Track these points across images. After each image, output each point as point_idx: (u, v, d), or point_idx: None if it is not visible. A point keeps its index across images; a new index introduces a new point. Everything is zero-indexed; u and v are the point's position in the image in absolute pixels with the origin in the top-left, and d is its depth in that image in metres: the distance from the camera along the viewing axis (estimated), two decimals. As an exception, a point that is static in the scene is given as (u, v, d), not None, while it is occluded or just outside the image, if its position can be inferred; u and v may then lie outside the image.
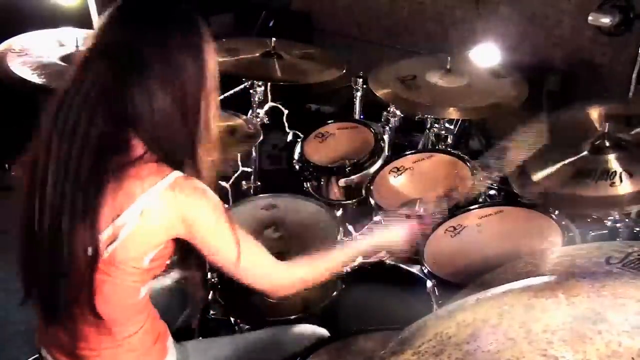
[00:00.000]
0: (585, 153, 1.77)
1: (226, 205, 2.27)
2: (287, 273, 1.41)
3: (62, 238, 1.19)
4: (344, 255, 1.56)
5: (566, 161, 1.77)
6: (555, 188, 1.72)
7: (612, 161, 1.71)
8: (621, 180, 1.65)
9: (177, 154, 1.24)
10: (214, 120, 1.31)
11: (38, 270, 1.27)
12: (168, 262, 1.34)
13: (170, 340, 1.46)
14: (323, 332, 1.71)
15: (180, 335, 1.53)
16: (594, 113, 1.88)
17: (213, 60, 1.27)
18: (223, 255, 1.29)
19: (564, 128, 1.93)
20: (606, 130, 1.75)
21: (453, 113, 2.26)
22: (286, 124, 2.75)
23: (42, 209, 1.20)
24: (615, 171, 1.68)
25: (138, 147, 1.22)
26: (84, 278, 1.20)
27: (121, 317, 1.32)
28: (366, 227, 1.64)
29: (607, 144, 1.75)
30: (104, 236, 1.18)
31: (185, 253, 1.32)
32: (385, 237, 1.63)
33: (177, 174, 1.22)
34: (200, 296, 1.38)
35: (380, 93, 2.37)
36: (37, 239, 1.22)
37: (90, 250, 1.18)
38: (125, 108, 1.19)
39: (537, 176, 1.78)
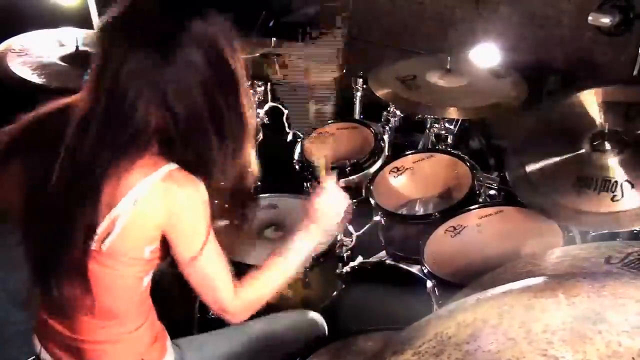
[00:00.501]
0: (583, 151, 1.74)
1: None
2: (237, 297, 1.34)
3: (57, 233, 1.20)
4: (290, 258, 1.44)
5: (564, 157, 1.75)
6: (557, 197, 1.66)
7: (613, 168, 1.65)
8: (622, 195, 1.58)
9: (206, 156, 1.24)
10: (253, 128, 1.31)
11: (38, 224, 1.26)
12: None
13: (168, 340, 1.46)
14: (316, 317, 1.71)
15: (179, 334, 1.53)
16: (590, 97, 1.82)
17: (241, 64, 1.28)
18: (184, 248, 1.26)
19: (560, 118, 1.89)
20: (606, 130, 1.75)
21: (453, 113, 2.26)
22: (286, 124, 2.75)
23: (66, 164, 1.19)
24: (617, 181, 1.62)
25: (146, 142, 1.21)
26: (81, 248, 1.20)
27: (123, 310, 1.32)
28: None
29: (608, 145, 1.70)
30: (100, 228, 1.19)
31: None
32: (318, 226, 1.49)
33: (171, 166, 1.22)
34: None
35: (380, 93, 2.37)
36: (48, 195, 1.21)
37: (83, 244, 1.19)
38: (166, 100, 1.18)
39: (531, 167, 1.76)
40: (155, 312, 1.43)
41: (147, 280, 1.33)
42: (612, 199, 1.59)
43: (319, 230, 1.49)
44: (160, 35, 1.18)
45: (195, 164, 1.24)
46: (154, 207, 1.21)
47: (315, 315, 1.71)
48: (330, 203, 1.51)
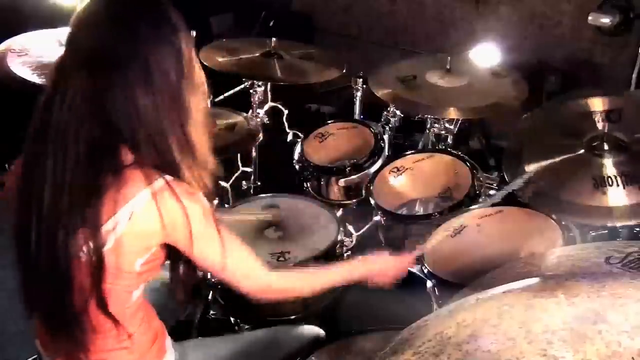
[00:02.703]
0: (582, 151, 1.74)
1: (226, 205, 2.28)
2: (271, 278, 1.40)
3: (61, 250, 1.19)
4: (337, 276, 1.54)
5: (563, 157, 1.75)
6: (556, 191, 1.68)
7: (610, 167, 1.68)
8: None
9: (167, 154, 1.21)
10: (206, 116, 1.29)
11: (40, 287, 1.26)
12: (162, 265, 1.34)
13: (168, 339, 1.46)
14: (323, 333, 1.71)
15: (179, 334, 1.53)
16: (595, 105, 1.84)
17: (190, 51, 1.24)
18: (209, 260, 1.29)
19: (562, 118, 1.90)
20: (606, 131, 1.74)
21: (453, 113, 2.26)
22: (286, 124, 2.75)
23: (39, 222, 1.20)
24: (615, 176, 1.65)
25: (127, 153, 1.20)
26: (92, 284, 1.21)
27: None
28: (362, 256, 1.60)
29: (606, 146, 1.72)
30: (94, 242, 1.18)
31: (175, 255, 1.31)
32: (378, 267, 1.60)
33: (166, 177, 1.20)
34: (182, 298, 1.38)
35: (380, 93, 2.37)
36: (35, 255, 1.22)
37: (93, 254, 1.18)
38: (110, 114, 1.17)
39: (530, 167, 1.76)
40: (152, 312, 1.43)
41: (137, 294, 1.31)
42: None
43: (369, 274, 1.57)
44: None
45: (165, 166, 1.21)
46: (151, 221, 1.19)
47: (319, 331, 1.72)
48: (393, 269, 1.62)
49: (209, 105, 1.35)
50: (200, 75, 1.28)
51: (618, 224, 1.64)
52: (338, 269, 1.56)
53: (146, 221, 1.19)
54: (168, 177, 1.20)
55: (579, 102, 1.88)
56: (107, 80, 1.16)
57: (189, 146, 1.24)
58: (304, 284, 1.49)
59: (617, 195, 1.62)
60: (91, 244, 1.18)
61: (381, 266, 1.59)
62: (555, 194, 1.68)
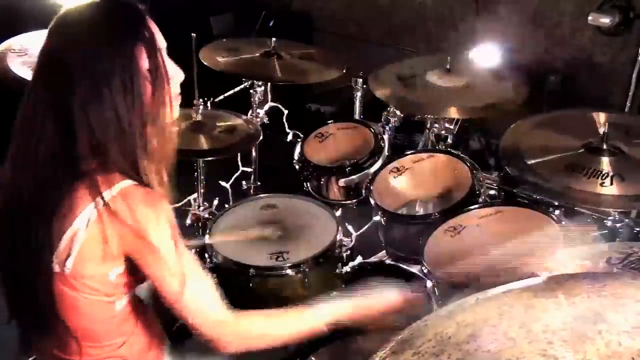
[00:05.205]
0: (581, 150, 1.77)
1: (226, 205, 2.28)
2: (230, 318, 1.26)
3: (22, 255, 1.21)
4: (317, 318, 1.36)
5: (561, 155, 1.78)
6: (546, 175, 1.73)
7: (606, 163, 1.72)
8: (611, 183, 1.66)
9: (127, 157, 1.18)
10: (169, 124, 1.25)
11: (14, 285, 1.28)
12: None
13: (166, 347, 1.45)
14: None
15: (179, 333, 1.53)
16: (598, 117, 1.88)
17: (153, 63, 1.19)
18: (165, 282, 1.19)
19: (565, 124, 1.93)
20: (605, 131, 1.75)
21: (453, 113, 2.26)
22: (286, 124, 2.75)
23: (13, 230, 1.22)
24: (607, 173, 1.69)
25: (88, 158, 1.18)
26: (47, 293, 1.21)
27: (101, 331, 1.29)
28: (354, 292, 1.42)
29: (605, 146, 1.75)
30: (59, 250, 1.17)
31: None
32: (371, 303, 1.43)
33: (127, 182, 1.16)
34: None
35: (380, 93, 2.37)
36: (13, 264, 1.25)
37: (45, 265, 1.18)
38: (66, 124, 1.16)
39: (532, 161, 1.79)
40: (149, 319, 1.41)
41: (121, 305, 1.28)
42: (601, 184, 1.67)
43: (357, 318, 1.41)
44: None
45: (126, 170, 1.18)
46: (107, 227, 1.15)
47: None
48: (392, 303, 1.45)
49: (177, 110, 1.29)
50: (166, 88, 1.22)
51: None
52: (319, 310, 1.37)
53: (103, 227, 1.15)
54: (129, 182, 1.17)
55: (584, 113, 1.92)
56: (60, 93, 1.16)
57: (149, 148, 1.20)
58: (272, 328, 1.33)
59: (605, 186, 1.67)
60: (43, 254, 1.17)
61: (379, 308, 1.42)
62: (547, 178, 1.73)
